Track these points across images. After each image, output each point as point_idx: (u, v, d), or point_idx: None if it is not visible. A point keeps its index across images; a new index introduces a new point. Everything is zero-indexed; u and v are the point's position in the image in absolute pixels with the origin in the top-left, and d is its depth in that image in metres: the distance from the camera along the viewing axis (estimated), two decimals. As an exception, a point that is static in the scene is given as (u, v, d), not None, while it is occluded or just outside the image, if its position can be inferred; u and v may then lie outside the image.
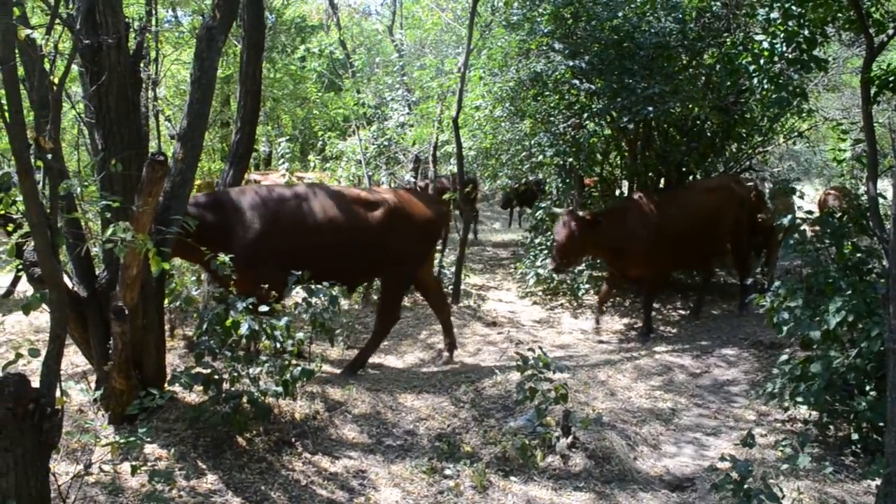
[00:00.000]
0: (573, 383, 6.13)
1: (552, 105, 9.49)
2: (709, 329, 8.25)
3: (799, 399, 5.19)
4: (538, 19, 8.94)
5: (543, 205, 10.20)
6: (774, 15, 5.77)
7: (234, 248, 5.50)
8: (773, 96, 6.18)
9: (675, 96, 8.10)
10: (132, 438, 3.48)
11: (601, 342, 8.09)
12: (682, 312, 9.03)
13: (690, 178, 10.38)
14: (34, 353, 3.18)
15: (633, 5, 8.55)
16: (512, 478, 4.74)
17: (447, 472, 4.79)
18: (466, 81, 9.62)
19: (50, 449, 3.01)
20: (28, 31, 2.95)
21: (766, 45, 5.77)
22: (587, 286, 9.80)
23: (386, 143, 10.92)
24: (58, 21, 4.06)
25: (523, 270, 10.48)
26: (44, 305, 3.12)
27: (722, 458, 3.94)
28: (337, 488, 4.54)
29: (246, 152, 7.47)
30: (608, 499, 4.50)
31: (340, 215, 6.24)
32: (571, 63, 8.40)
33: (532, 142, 9.65)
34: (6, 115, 2.80)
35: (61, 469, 4.12)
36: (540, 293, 10.26)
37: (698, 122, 9.73)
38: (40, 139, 2.96)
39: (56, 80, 3.86)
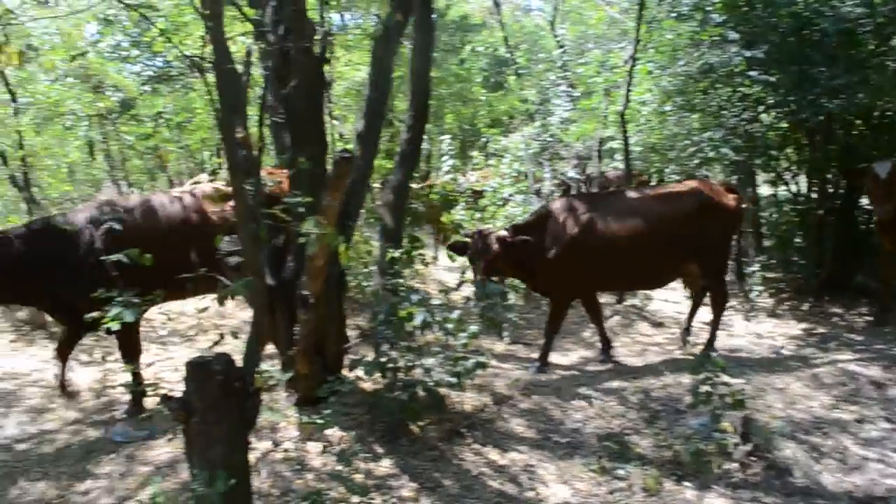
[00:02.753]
0: (748, 389, 5.85)
1: (724, 98, 9.09)
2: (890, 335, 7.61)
3: None
4: (709, 8, 8.57)
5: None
6: None
7: None
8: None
9: (861, 86, 7.50)
10: (321, 421, 3.68)
11: (781, 349, 7.65)
12: (869, 318, 8.38)
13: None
14: (236, 335, 3.44)
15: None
16: (685, 483, 4.62)
17: (618, 472, 4.73)
18: (633, 75, 9.40)
19: (250, 425, 3.25)
20: (247, 42, 3.18)
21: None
22: (760, 288, 9.31)
23: (549, 139, 10.88)
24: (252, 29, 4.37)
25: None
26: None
27: (874, 459, 3.64)
28: (506, 481, 4.60)
29: (414, 151, 7.65)
30: (791, 512, 4.29)
31: None
32: (748, 53, 7.97)
33: (702, 136, 9.27)
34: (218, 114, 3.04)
35: (252, 446, 4.44)
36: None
37: (889, 112, 8.99)
38: (249, 139, 3.20)
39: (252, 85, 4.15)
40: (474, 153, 11.89)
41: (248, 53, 3.49)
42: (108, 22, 9.87)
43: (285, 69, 4.88)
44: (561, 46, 12.90)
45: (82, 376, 6.60)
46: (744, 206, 7.60)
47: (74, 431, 5.45)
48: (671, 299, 9.90)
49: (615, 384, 6.05)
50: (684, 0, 8.84)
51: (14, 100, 8.43)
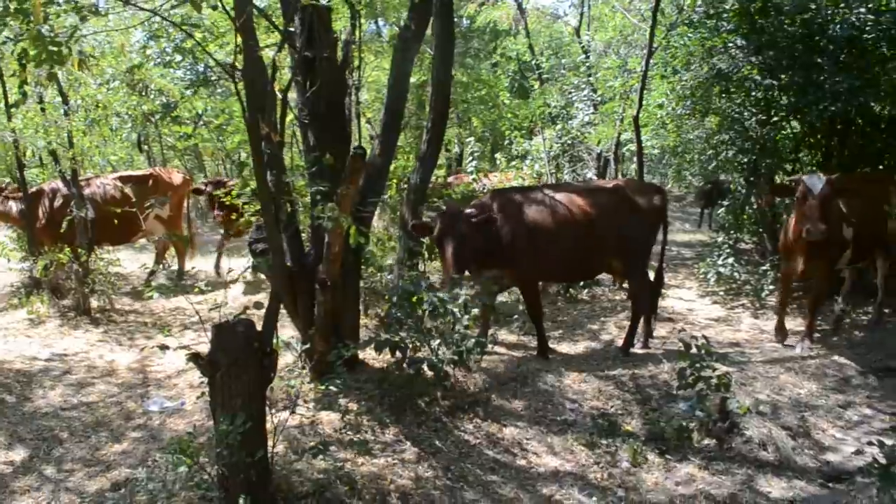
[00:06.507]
0: (740, 377, 6.23)
1: (738, 103, 9.40)
2: (898, 335, 7.87)
3: None
4: (724, 16, 8.89)
5: (725, 204, 10.07)
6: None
7: None
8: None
9: (865, 91, 7.77)
10: (327, 384, 4.17)
11: (786, 345, 7.93)
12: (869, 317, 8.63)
13: None
14: (259, 306, 3.95)
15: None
16: (667, 456, 5.02)
17: (606, 446, 5.14)
18: (649, 80, 9.75)
19: (267, 381, 3.75)
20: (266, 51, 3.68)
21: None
22: (772, 287, 9.59)
23: (570, 141, 11.28)
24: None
25: (704, 269, 10.43)
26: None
27: (870, 444, 3.99)
28: (502, 451, 5.04)
29: (434, 152, 8.13)
30: (759, 482, 4.66)
31: None
32: (754, 59, 8.29)
33: (716, 140, 9.59)
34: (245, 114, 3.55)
35: (274, 413, 4.93)
36: (721, 293, 10.18)
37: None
38: (271, 133, 3.70)
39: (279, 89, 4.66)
40: (497, 155, 12.34)
41: (273, 62, 3.98)
42: (157, 37, 10.51)
43: (310, 75, 5.40)
44: (586, 52, 13.30)
45: (124, 357, 7.19)
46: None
47: (113, 403, 6.01)
48: (685, 297, 10.23)
49: (615, 371, 6.44)
50: (697, 7, 9.19)
51: (66, 102, 9.04)
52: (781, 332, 7.71)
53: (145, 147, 17.69)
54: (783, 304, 7.87)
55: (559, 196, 6.90)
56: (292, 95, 7.21)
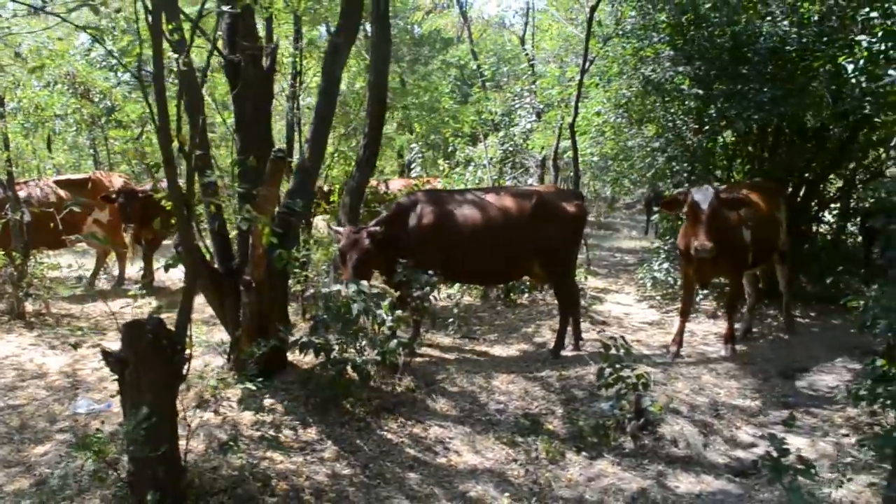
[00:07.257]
0: (663, 377, 6.42)
1: (672, 112, 9.66)
2: (820, 337, 8.16)
3: (888, 402, 5.18)
4: (658, 26, 9.15)
5: (656, 210, 10.34)
6: (874, 14, 5.86)
7: None
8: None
9: (787, 101, 8.07)
10: (246, 382, 4.22)
11: (707, 346, 8.17)
12: (800, 320, 8.92)
13: (821, 184, 10.25)
14: (174, 304, 3.99)
15: (750, 13, 8.58)
16: (584, 453, 5.16)
17: (526, 444, 5.27)
18: (586, 89, 9.97)
19: (177, 378, 3.78)
20: (175, 56, 3.73)
21: (865, 44, 5.85)
22: (705, 291, 9.86)
23: (511, 148, 11.45)
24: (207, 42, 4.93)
25: (642, 274, 10.67)
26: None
27: (762, 437, 4.17)
28: (424, 450, 5.13)
29: (372, 156, 8.21)
30: (668, 478, 4.83)
31: None
32: (681, 69, 8.55)
33: (649, 148, 9.84)
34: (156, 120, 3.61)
35: (196, 413, 4.96)
36: (658, 297, 10.42)
37: (829, 128, 9.49)
38: (179, 136, 3.75)
39: (207, 92, 4.72)
40: (439, 161, 12.49)
41: (198, 66, 4.04)
42: (97, 40, 10.44)
43: (237, 79, 5.47)
44: (530, 61, 13.51)
45: (55, 361, 7.12)
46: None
47: (41, 406, 5.93)
48: (623, 302, 10.45)
49: (543, 372, 6.58)
50: (631, 18, 9.44)
51: (1, 104, 8.93)
52: (678, 343, 7.48)
53: (92, 152, 17.47)
54: (686, 313, 7.71)
55: (476, 199, 7.06)
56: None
